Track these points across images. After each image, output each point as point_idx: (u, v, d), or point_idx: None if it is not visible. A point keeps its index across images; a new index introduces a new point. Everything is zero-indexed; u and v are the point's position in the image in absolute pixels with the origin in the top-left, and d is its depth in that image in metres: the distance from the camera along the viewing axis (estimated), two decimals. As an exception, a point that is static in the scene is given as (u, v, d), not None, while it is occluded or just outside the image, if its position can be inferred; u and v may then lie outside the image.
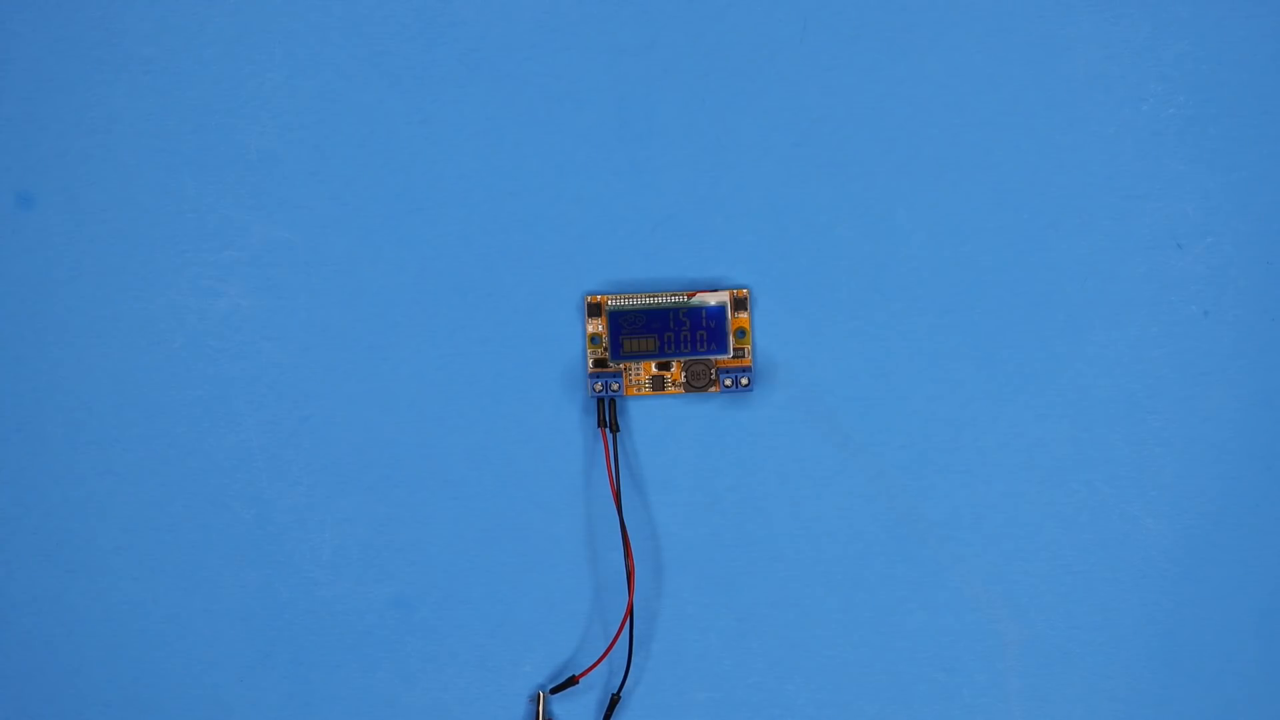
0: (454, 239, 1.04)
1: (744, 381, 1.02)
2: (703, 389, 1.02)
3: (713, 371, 1.02)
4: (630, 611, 1.02)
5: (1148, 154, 1.02)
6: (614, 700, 1.03)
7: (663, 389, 1.03)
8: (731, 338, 1.03)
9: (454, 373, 1.03)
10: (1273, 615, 1.02)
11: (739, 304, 1.03)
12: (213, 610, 1.03)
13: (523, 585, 1.03)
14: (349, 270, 1.04)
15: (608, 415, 1.02)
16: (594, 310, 1.03)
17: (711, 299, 1.03)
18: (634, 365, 1.03)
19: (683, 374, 1.03)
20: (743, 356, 1.03)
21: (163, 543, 1.03)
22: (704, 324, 1.02)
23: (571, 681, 1.02)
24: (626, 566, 1.02)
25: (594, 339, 1.03)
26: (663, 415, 1.04)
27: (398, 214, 1.04)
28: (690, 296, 1.03)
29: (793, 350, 1.03)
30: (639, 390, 1.03)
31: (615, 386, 1.02)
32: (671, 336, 1.02)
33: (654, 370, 1.03)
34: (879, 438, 1.03)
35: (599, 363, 1.03)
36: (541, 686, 1.03)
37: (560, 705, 1.04)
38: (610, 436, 1.02)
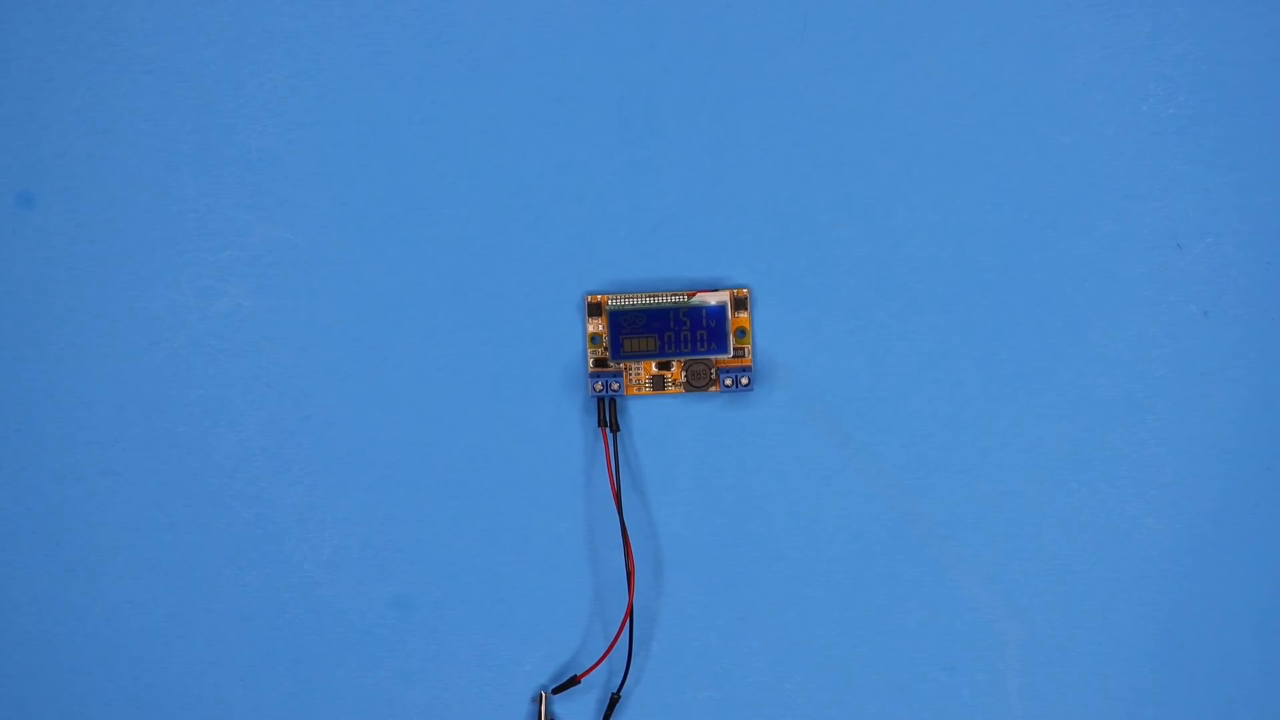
0: (454, 239, 1.04)
1: (744, 381, 1.02)
2: (703, 389, 1.02)
3: (713, 371, 1.03)
4: (630, 611, 1.02)
5: (1148, 154, 1.02)
6: (614, 700, 1.03)
7: (663, 389, 1.03)
8: (731, 337, 1.03)
9: (454, 373, 1.03)
10: (1273, 615, 1.02)
11: (739, 304, 1.03)
12: (213, 610, 1.03)
13: (523, 585, 1.03)
14: (349, 270, 1.04)
15: (608, 415, 1.02)
16: (594, 310, 1.03)
17: (711, 299, 1.03)
18: (634, 365, 1.03)
19: (683, 374, 1.03)
20: (743, 356, 1.03)
21: (163, 543, 1.03)
22: (704, 324, 1.03)
23: (573, 681, 1.02)
24: (626, 566, 1.02)
25: (594, 339, 1.03)
26: (663, 415, 1.04)
27: (398, 214, 1.04)
28: (690, 296, 1.03)
29: (793, 350, 1.03)
30: (639, 390, 1.03)
31: (615, 386, 1.02)
32: (671, 336, 1.03)
33: (654, 370, 1.03)
34: (879, 438, 1.03)
35: (599, 362, 1.03)
36: (543, 687, 1.03)
37: (560, 705, 1.04)
38: (610, 436, 1.02)
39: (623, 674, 1.03)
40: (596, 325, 1.03)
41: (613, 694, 1.03)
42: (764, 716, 1.03)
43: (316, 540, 1.03)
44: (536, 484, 1.03)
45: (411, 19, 1.04)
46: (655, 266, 1.03)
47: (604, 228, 1.03)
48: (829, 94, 1.03)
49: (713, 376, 1.02)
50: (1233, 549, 1.02)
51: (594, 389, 1.02)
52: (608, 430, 1.02)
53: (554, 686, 1.03)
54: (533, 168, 1.03)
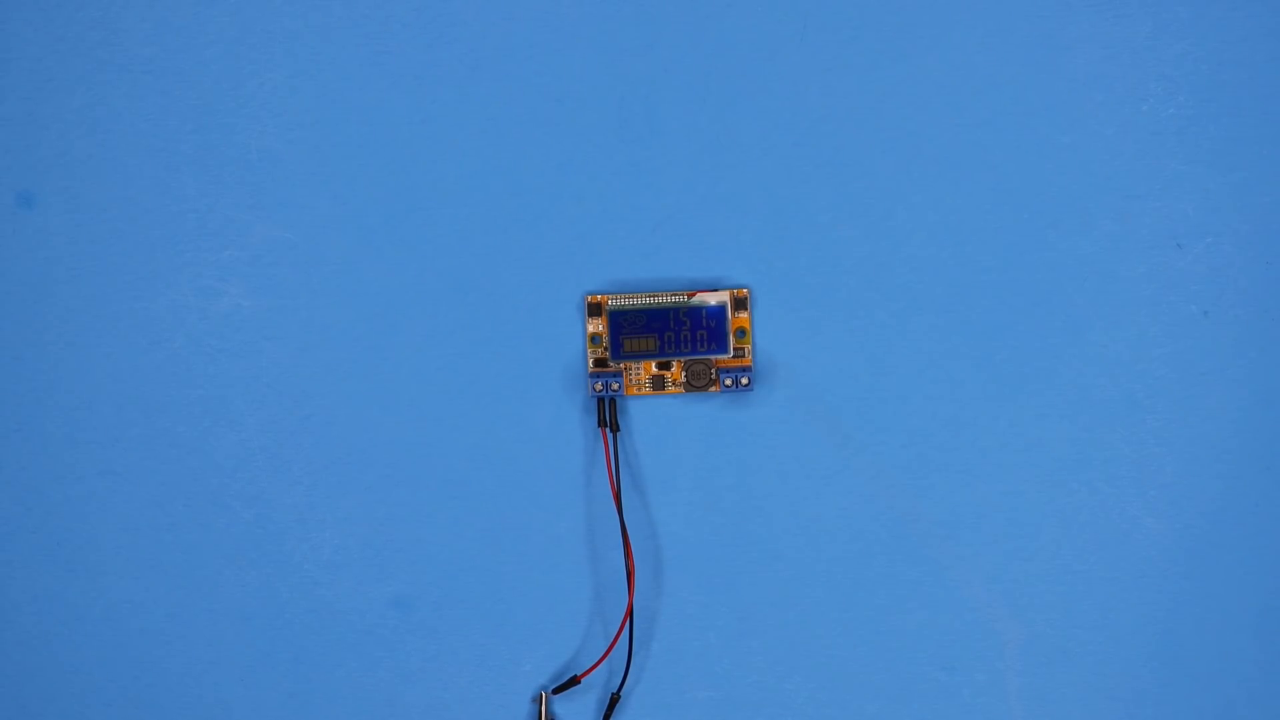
0: (454, 239, 1.04)
1: (744, 381, 1.02)
2: (703, 389, 1.02)
3: (713, 371, 1.03)
4: (630, 611, 1.02)
5: (1148, 154, 1.02)
6: (614, 700, 1.03)
7: (663, 389, 1.03)
8: (731, 337, 1.03)
9: (454, 373, 1.03)
10: (1273, 615, 1.02)
11: (739, 304, 1.03)
12: (213, 610, 1.03)
13: (523, 585, 1.03)
14: (349, 270, 1.04)
15: (608, 415, 1.02)
16: (594, 310, 1.03)
17: (711, 299, 1.03)
18: (634, 365, 1.03)
19: (683, 374, 1.03)
20: (743, 356, 1.03)
21: (163, 543, 1.03)
22: (704, 324, 1.03)
23: (573, 681, 1.02)
24: (626, 566, 1.02)
25: (594, 339, 1.03)
26: (663, 415, 1.04)
27: (398, 214, 1.04)
28: (690, 296, 1.03)
29: (793, 350, 1.03)
30: (639, 390, 1.03)
31: (615, 386, 1.02)
32: (672, 336, 1.03)
33: (654, 370, 1.03)
34: (879, 437, 1.03)
35: (599, 362, 1.03)
36: (543, 687, 1.03)
37: (560, 704, 1.04)
38: (610, 436, 1.02)
39: (623, 674, 1.03)
40: (596, 325, 1.03)
41: (613, 694, 1.03)
42: (764, 716, 1.03)
43: (316, 540, 1.03)
44: (536, 484, 1.03)
45: (411, 19, 1.04)
46: (655, 266, 1.03)
47: (604, 228, 1.03)
48: (829, 94, 1.03)
49: (713, 376, 1.02)
50: (1232, 549, 1.02)
51: (594, 389, 1.02)
52: (608, 430, 1.02)
53: (554, 686, 1.03)
54: (533, 168, 1.03)
